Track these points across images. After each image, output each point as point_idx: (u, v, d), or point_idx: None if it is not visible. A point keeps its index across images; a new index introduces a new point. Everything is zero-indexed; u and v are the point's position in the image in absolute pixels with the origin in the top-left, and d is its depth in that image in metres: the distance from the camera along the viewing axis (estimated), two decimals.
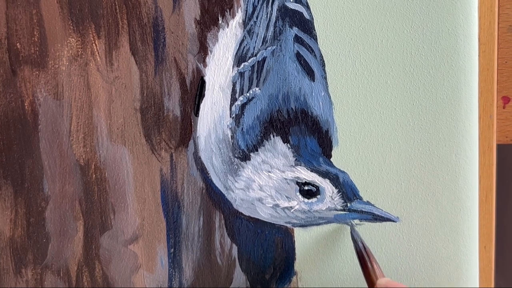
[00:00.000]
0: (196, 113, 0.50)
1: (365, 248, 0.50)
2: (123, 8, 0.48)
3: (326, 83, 0.49)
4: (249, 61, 0.48)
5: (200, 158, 0.50)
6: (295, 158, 0.48)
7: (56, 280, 0.50)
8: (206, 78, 0.49)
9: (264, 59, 0.48)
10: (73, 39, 0.47)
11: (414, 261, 0.52)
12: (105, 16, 0.48)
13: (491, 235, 0.53)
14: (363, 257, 0.50)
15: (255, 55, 0.48)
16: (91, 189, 0.49)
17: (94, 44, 0.48)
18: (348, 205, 0.49)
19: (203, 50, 0.49)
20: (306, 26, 0.49)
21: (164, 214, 0.51)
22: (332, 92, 0.50)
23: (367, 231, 0.52)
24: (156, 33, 0.48)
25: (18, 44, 0.47)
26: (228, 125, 0.48)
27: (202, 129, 0.49)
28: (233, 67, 0.49)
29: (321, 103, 0.49)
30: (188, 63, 0.49)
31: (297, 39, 0.49)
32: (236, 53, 0.49)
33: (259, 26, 0.48)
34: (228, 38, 0.49)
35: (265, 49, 0.48)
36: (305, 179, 0.48)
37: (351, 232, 0.51)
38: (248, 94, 0.48)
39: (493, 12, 0.51)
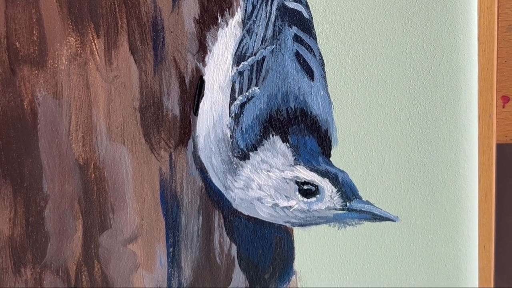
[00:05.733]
0: (196, 113, 0.50)
1: None
2: (122, 7, 0.48)
3: (326, 82, 0.49)
4: (248, 60, 0.48)
5: (199, 157, 0.50)
6: (294, 158, 0.48)
7: (55, 279, 0.50)
8: (205, 78, 0.49)
9: (263, 59, 0.48)
10: (72, 38, 0.47)
11: (413, 261, 0.52)
12: (104, 16, 0.48)
13: (490, 234, 0.53)
14: None
15: (255, 55, 0.48)
16: (90, 189, 0.49)
17: (93, 43, 0.48)
18: (348, 204, 0.49)
19: (202, 49, 0.49)
20: (306, 25, 0.49)
21: (163, 214, 0.51)
22: (332, 91, 0.50)
23: (366, 230, 0.52)
24: (155, 32, 0.48)
25: (17, 43, 0.47)
26: (227, 125, 0.48)
27: (201, 129, 0.49)
28: (232, 66, 0.49)
29: (320, 102, 0.49)
30: (187, 63, 0.49)
31: (297, 38, 0.49)
32: (236, 53, 0.49)
33: (259, 26, 0.48)
34: (227, 37, 0.49)
35: (265, 49, 0.48)
36: (304, 178, 0.48)
37: None
38: (247, 94, 0.48)
39: (493, 11, 0.51)
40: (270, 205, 0.49)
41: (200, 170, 0.50)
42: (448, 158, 0.51)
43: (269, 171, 0.48)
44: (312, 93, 0.49)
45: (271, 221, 0.50)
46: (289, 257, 0.52)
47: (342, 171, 0.49)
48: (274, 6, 0.48)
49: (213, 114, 0.49)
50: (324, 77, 0.49)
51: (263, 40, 0.48)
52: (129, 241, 0.50)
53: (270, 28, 0.48)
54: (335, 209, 0.48)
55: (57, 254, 0.50)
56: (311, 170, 0.48)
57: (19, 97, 0.47)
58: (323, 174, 0.48)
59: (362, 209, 0.49)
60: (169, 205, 0.50)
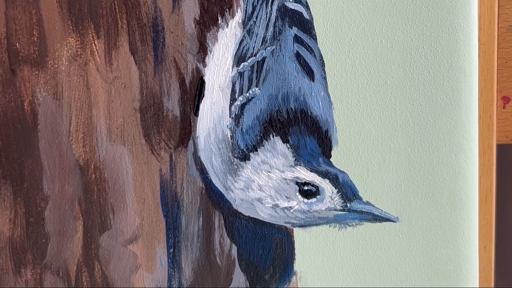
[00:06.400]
0: (196, 113, 0.50)
1: None
2: (123, 8, 0.48)
3: (326, 83, 0.49)
4: (249, 61, 0.48)
5: (199, 158, 0.50)
6: (294, 158, 0.48)
7: (56, 280, 0.50)
8: (206, 78, 0.49)
9: (263, 59, 0.48)
10: (73, 39, 0.47)
11: (414, 261, 0.52)
12: (104, 16, 0.48)
13: (491, 235, 0.53)
14: None
15: (255, 55, 0.48)
16: (91, 189, 0.49)
17: (93, 44, 0.48)
18: (348, 205, 0.49)
19: (203, 50, 0.49)
20: (306, 26, 0.49)
21: (164, 214, 0.51)
22: (332, 92, 0.50)
23: (366, 231, 0.52)
24: (155, 33, 0.48)
25: (17, 44, 0.47)
26: (227, 125, 0.48)
27: (201, 129, 0.49)
28: (232, 67, 0.49)
29: (320, 103, 0.49)
30: (188, 63, 0.49)
31: (297, 39, 0.49)
32: (236, 53, 0.49)
33: (259, 26, 0.48)
34: (227, 38, 0.49)
35: (265, 49, 0.48)
36: (304, 179, 0.48)
37: None
38: (247, 94, 0.48)
39: (493, 12, 0.51)
40: (271, 205, 0.49)
41: (201, 171, 0.50)
42: (449, 158, 0.51)
43: (269, 172, 0.48)
44: (313, 94, 0.49)
45: (272, 222, 0.50)
46: (289, 258, 0.52)
47: (343, 172, 0.49)
48: (275, 7, 0.48)
49: (213, 115, 0.49)
50: (325, 78, 0.49)
51: (264, 40, 0.48)
52: (129, 241, 0.50)
53: (271, 28, 0.48)
54: (336, 210, 0.49)
55: (58, 255, 0.49)
56: (311, 171, 0.48)
57: (19, 98, 0.47)
58: (324, 174, 0.48)
59: (363, 209, 0.49)
60: (169, 206, 0.50)
